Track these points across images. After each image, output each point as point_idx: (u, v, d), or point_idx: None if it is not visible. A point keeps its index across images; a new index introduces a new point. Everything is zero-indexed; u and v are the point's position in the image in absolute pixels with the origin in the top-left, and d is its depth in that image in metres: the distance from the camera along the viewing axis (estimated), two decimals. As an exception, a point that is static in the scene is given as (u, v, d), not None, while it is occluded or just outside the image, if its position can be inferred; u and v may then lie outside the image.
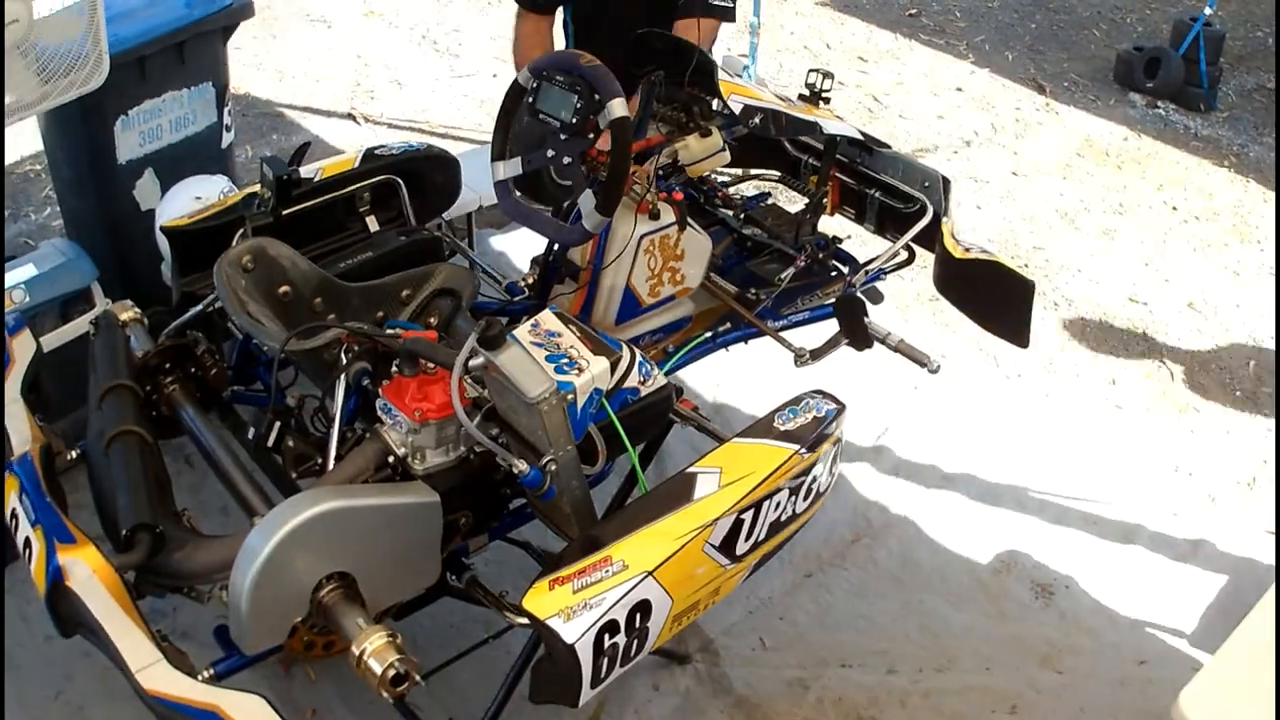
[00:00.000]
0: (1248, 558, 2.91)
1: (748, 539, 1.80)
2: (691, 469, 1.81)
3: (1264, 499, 3.09)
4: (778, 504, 1.84)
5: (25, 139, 3.84)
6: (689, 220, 2.38)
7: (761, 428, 1.91)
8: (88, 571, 1.64)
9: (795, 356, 2.47)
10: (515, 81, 2.18)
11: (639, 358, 1.94)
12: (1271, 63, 6.05)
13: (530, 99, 2.12)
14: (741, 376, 3.07)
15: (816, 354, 2.48)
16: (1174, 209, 4.64)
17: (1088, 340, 3.81)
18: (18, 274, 2.73)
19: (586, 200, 2.07)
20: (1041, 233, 4.37)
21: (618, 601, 1.60)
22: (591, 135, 2.09)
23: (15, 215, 3.87)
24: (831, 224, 2.85)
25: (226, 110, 3.29)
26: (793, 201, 2.91)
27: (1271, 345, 3.80)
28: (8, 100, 2.03)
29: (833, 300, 2.63)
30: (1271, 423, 3.45)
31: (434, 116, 4.71)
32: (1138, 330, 3.88)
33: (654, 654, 2.39)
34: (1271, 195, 4.80)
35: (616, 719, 2.37)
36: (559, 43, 3.09)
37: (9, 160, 3.86)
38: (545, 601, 1.59)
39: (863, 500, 3.01)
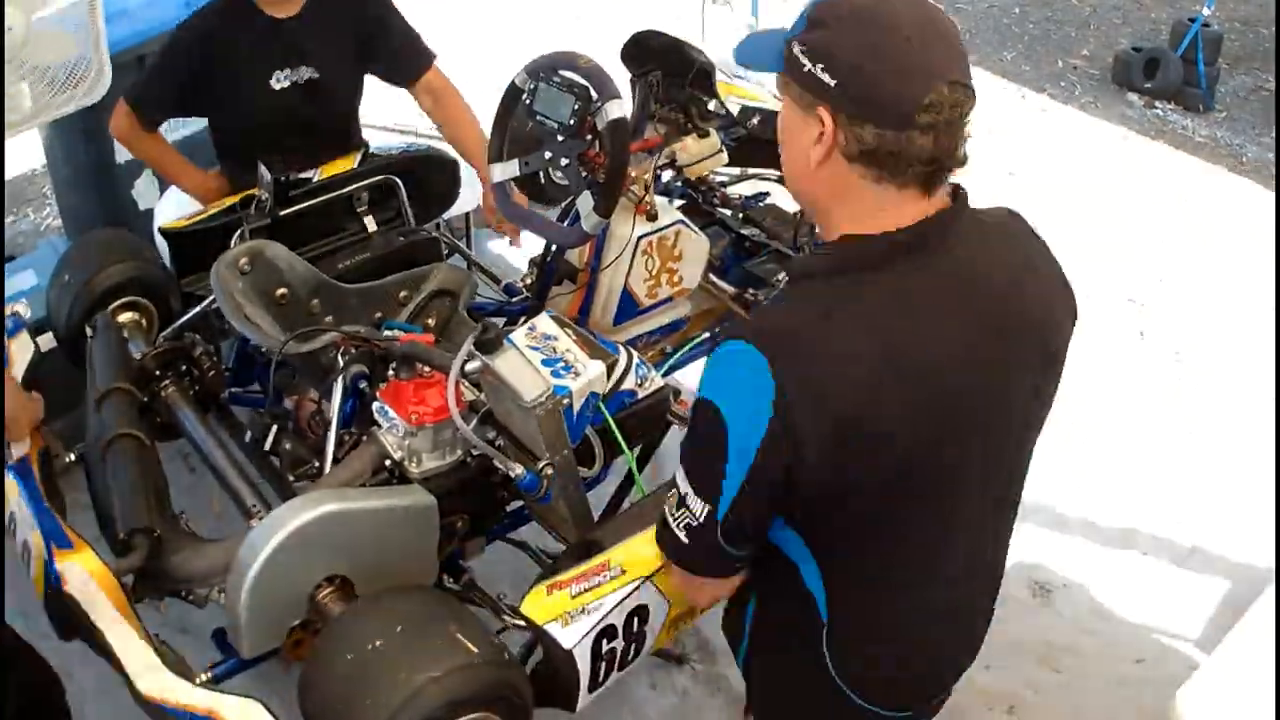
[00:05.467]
0: (1246, 558, 2.91)
1: (745, 542, 1.80)
2: (689, 472, 1.81)
3: (1263, 499, 3.09)
4: (775, 507, 1.84)
5: (24, 139, 3.84)
6: (687, 221, 2.38)
7: (758, 430, 1.91)
8: (85, 576, 1.65)
9: None
10: (512, 83, 2.18)
11: (636, 360, 1.94)
12: (1270, 63, 6.04)
13: (527, 100, 2.12)
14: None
15: None
16: (1171, 209, 4.64)
17: (1085, 340, 3.80)
18: (18, 282, 2.72)
19: (585, 202, 2.07)
20: (1039, 233, 4.37)
21: (615, 606, 1.60)
22: (589, 137, 2.09)
23: (14, 215, 3.87)
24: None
25: (225, 110, 3.28)
26: (792, 201, 2.91)
27: (1270, 345, 3.80)
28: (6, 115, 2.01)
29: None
30: (1271, 422, 3.44)
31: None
32: (1135, 330, 3.87)
33: (652, 654, 2.40)
34: (1270, 195, 4.80)
35: (614, 718, 2.37)
36: None
37: (8, 160, 3.86)
38: (543, 606, 1.59)
39: (861, 501, 3.01)
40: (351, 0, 2.59)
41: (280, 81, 2.50)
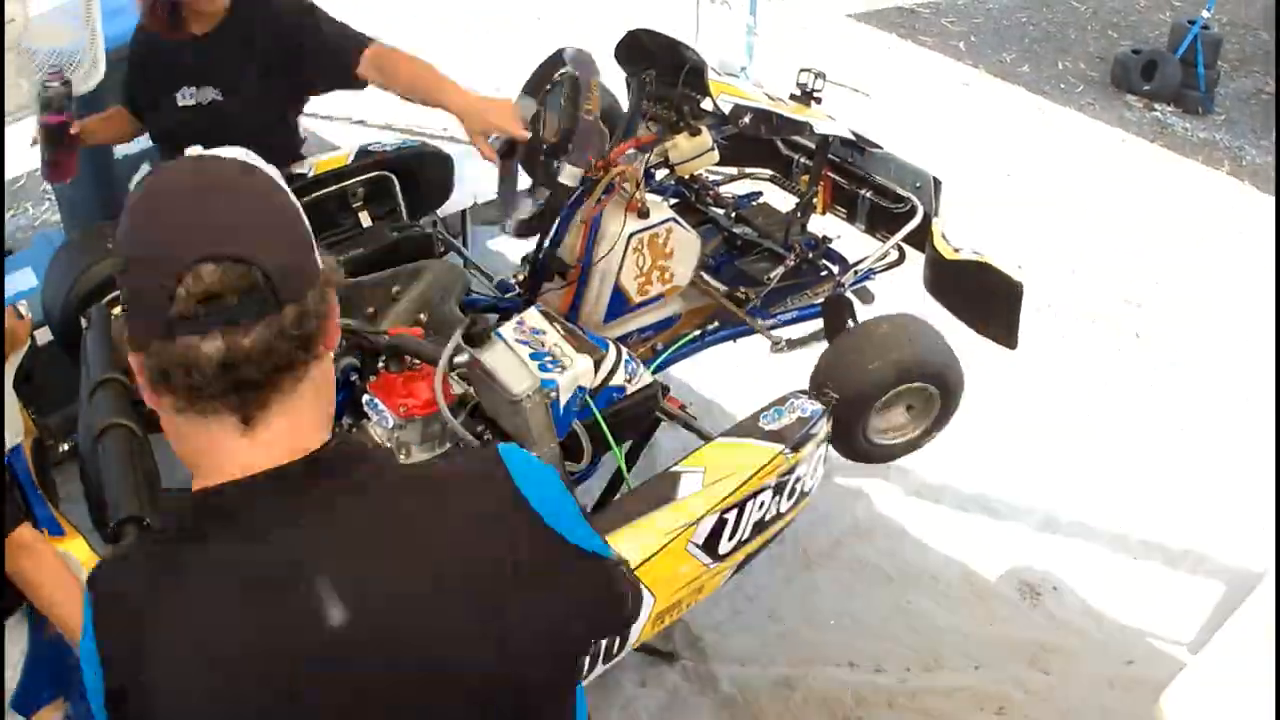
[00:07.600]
0: (1238, 561, 2.92)
1: (731, 538, 1.82)
2: (675, 468, 1.82)
3: (1258, 499, 3.09)
4: (761, 503, 1.85)
5: (25, 136, 3.86)
6: (678, 219, 2.39)
7: (746, 427, 1.93)
8: (77, 564, 1.66)
9: (771, 344, 2.48)
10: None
11: (625, 355, 1.95)
12: (1269, 66, 6.05)
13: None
14: (730, 375, 3.07)
15: (793, 344, 2.50)
16: (1169, 211, 4.64)
17: (1080, 341, 3.81)
18: (18, 280, 2.73)
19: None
20: (1035, 233, 4.37)
21: (599, 598, 1.61)
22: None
23: (14, 210, 3.89)
24: (823, 223, 2.86)
25: (223, 106, 3.30)
26: (785, 200, 2.92)
27: (1269, 346, 3.80)
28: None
29: (822, 300, 2.64)
30: (1268, 424, 3.45)
31: (430, 115, 4.71)
32: (1131, 331, 3.88)
33: (642, 651, 2.41)
34: (1269, 198, 4.80)
35: (604, 715, 2.38)
36: None
37: (8, 159, 3.88)
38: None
39: (852, 500, 3.02)
40: (267, 18, 2.33)
41: (185, 99, 2.35)
